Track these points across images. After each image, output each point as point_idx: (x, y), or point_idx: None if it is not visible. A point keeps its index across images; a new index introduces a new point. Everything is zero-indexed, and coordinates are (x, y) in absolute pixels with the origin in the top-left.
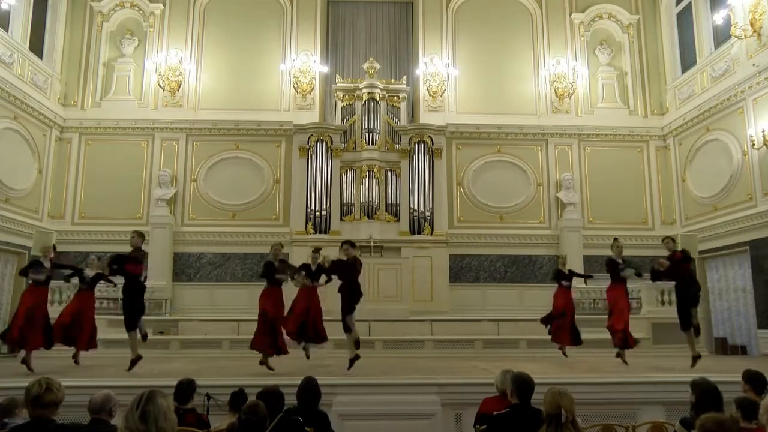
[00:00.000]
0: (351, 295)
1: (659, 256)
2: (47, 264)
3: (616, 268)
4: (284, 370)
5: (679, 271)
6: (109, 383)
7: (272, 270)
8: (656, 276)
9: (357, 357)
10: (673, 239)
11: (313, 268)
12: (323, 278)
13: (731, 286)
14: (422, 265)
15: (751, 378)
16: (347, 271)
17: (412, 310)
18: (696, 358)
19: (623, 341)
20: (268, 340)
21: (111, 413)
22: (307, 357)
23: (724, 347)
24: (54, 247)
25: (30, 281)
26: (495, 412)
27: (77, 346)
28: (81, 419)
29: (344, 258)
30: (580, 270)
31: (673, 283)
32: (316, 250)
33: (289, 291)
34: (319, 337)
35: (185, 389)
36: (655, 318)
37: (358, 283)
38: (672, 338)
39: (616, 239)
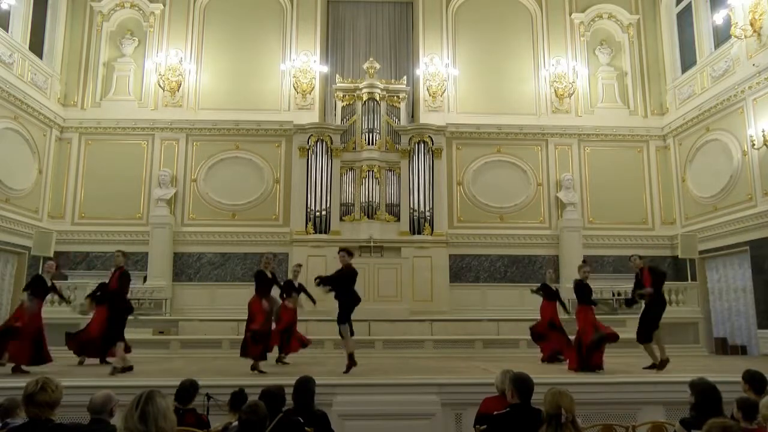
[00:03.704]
0: (347, 304)
1: (659, 257)
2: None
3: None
4: (285, 371)
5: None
6: (109, 383)
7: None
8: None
9: (351, 364)
10: (640, 257)
11: (296, 283)
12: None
13: (731, 286)
14: (422, 265)
15: (751, 378)
16: (345, 281)
17: (412, 310)
18: (665, 361)
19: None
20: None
21: (111, 413)
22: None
23: (724, 347)
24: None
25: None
26: (495, 412)
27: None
28: (81, 419)
29: (340, 266)
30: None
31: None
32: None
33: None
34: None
35: (188, 390)
36: None
37: (354, 291)
38: (672, 338)
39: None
